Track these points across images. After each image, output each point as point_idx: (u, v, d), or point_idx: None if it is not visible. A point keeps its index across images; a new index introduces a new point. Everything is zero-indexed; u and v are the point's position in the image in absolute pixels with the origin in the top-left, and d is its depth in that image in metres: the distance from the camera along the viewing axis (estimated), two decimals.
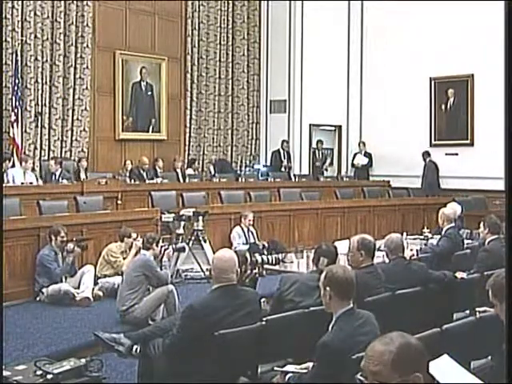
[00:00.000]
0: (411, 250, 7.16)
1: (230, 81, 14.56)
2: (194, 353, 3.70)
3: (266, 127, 15.11)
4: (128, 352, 5.02)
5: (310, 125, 14.68)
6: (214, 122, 14.24)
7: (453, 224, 7.25)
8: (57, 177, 10.27)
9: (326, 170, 14.81)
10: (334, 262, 4.62)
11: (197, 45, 13.87)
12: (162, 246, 6.38)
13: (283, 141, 14.31)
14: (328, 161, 15.01)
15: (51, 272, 6.78)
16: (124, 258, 7.24)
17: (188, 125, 13.87)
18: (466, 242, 7.76)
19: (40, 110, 11.41)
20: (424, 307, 4.63)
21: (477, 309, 4.41)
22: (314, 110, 14.52)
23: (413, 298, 4.66)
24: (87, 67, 12.06)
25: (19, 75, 10.83)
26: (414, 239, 8.27)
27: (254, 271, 5.21)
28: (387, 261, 5.30)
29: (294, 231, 10.26)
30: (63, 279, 6.90)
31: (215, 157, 14.21)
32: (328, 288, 3.40)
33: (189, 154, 13.79)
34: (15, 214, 7.51)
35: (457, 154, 13.29)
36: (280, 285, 4.55)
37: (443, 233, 7.16)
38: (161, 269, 6.20)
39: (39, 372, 3.69)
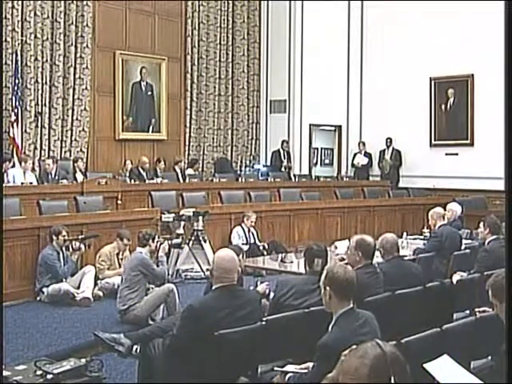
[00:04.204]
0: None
1: (230, 81, 14.56)
2: (194, 353, 3.70)
3: (266, 127, 15.12)
4: (128, 352, 5.03)
5: (309, 125, 14.68)
6: (213, 122, 14.24)
7: (445, 222, 7.29)
8: (53, 176, 10.26)
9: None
10: (327, 262, 4.61)
11: (197, 45, 13.87)
12: (157, 241, 6.39)
13: (283, 141, 14.32)
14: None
15: (57, 271, 6.79)
16: (122, 259, 7.25)
17: (188, 125, 13.87)
18: (466, 242, 7.78)
19: (40, 110, 11.41)
20: (424, 307, 4.63)
21: (476, 309, 4.41)
22: (314, 110, 14.52)
23: (413, 298, 4.65)
24: (87, 67, 12.07)
25: (19, 75, 10.83)
26: (414, 239, 8.28)
27: None
28: (381, 261, 5.28)
29: (294, 231, 10.26)
30: (64, 279, 6.90)
31: (217, 154, 14.22)
32: (328, 288, 3.40)
33: (189, 154, 13.79)
34: (15, 214, 7.51)
35: (457, 154, 13.30)
36: (276, 290, 4.50)
37: (434, 231, 7.20)
38: (157, 265, 6.21)
39: (39, 372, 3.70)
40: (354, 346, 2.04)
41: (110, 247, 7.37)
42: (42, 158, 11.24)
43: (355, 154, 14.56)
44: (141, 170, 11.87)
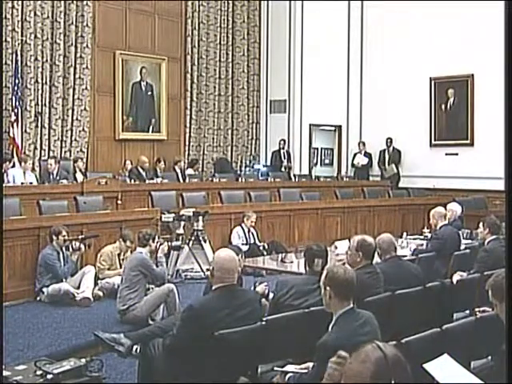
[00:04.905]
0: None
1: (230, 81, 14.56)
2: (193, 353, 3.70)
3: (266, 127, 15.11)
4: (128, 352, 5.03)
5: (309, 125, 14.68)
6: (213, 122, 14.24)
7: (446, 222, 7.28)
8: (54, 176, 10.27)
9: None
10: (327, 262, 4.61)
11: (197, 45, 13.87)
12: (157, 242, 6.39)
13: (281, 140, 14.32)
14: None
15: (57, 271, 6.79)
16: (123, 260, 7.25)
17: (188, 125, 13.87)
18: (466, 242, 7.78)
19: (40, 110, 11.41)
20: (424, 307, 4.63)
21: (477, 309, 4.41)
22: (314, 110, 14.52)
23: (413, 298, 4.65)
24: (87, 67, 12.07)
25: (19, 75, 10.83)
26: (414, 239, 8.28)
27: None
28: (379, 261, 5.28)
29: (294, 231, 10.26)
30: (64, 279, 6.90)
31: (217, 155, 14.22)
32: (328, 288, 3.40)
33: (189, 154, 13.79)
34: (15, 214, 7.51)
35: (457, 154, 13.30)
36: (276, 290, 4.50)
37: (436, 231, 7.20)
38: (156, 265, 6.21)
39: (39, 372, 3.70)
40: (356, 352, 2.03)
41: (112, 247, 7.38)
42: (43, 158, 11.25)
43: (355, 154, 14.56)
44: (140, 170, 11.86)
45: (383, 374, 1.88)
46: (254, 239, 9.33)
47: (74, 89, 11.92)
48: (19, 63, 10.88)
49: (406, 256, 6.45)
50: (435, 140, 13.61)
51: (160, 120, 13.38)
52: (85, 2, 11.95)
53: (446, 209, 7.79)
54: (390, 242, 5.22)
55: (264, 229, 9.78)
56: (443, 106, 13.48)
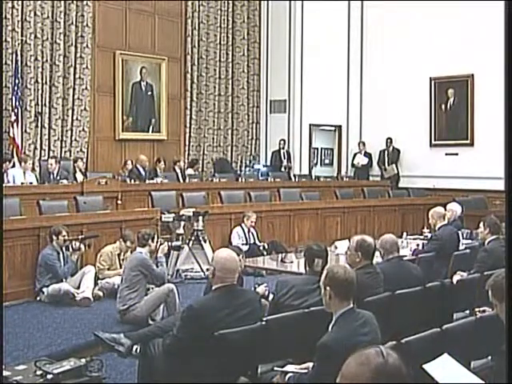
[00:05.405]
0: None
1: (230, 81, 14.56)
2: (193, 353, 3.70)
3: (266, 127, 15.12)
4: (128, 352, 5.03)
5: (309, 125, 14.69)
6: (214, 122, 14.25)
7: (445, 222, 7.28)
8: (54, 175, 10.27)
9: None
10: (327, 262, 4.61)
11: (197, 45, 13.87)
12: (157, 242, 6.39)
13: (281, 140, 14.32)
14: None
15: (57, 271, 6.79)
16: (123, 260, 7.25)
17: (188, 125, 13.88)
18: (466, 242, 7.78)
19: (40, 110, 11.42)
20: (424, 307, 4.63)
21: (477, 309, 4.41)
22: (314, 110, 14.52)
23: (413, 298, 4.65)
24: (87, 67, 12.07)
25: (19, 75, 10.83)
26: (414, 239, 8.28)
27: None
28: (380, 260, 5.28)
29: (294, 231, 10.26)
30: (64, 279, 6.90)
31: (217, 155, 14.22)
32: (328, 288, 3.40)
33: (189, 154, 13.79)
34: (15, 214, 7.51)
35: (457, 154, 13.30)
36: (276, 290, 4.50)
37: (435, 232, 7.19)
38: (156, 265, 6.21)
39: (39, 372, 3.70)
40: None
41: (112, 247, 7.38)
42: (43, 158, 11.25)
43: (355, 154, 14.56)
44: (140, 169, 11.87)
45: (380, 380, 1.85)
46: (254, 239, 9.33)
47: (74, 89, 11.92)
48: (19, 63, 10.88)
49: (406, 256, 6.44)
50: (435, 140, 13.61)
51: (160, 120, 13.38)
52: (85, 2, 11.96)
53: (445, 209, 7.79)
54: (393, 243, 5.23)
55: (264, 229, 9.78)
56: (443, 106, 13.48)
